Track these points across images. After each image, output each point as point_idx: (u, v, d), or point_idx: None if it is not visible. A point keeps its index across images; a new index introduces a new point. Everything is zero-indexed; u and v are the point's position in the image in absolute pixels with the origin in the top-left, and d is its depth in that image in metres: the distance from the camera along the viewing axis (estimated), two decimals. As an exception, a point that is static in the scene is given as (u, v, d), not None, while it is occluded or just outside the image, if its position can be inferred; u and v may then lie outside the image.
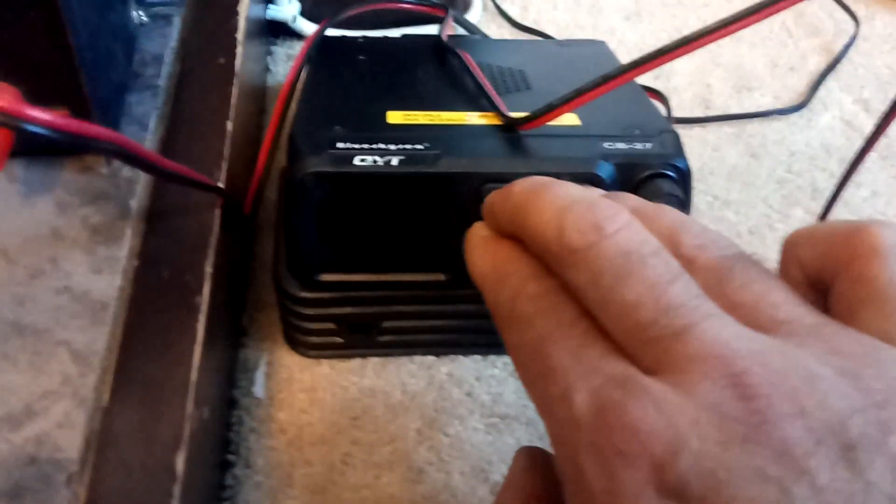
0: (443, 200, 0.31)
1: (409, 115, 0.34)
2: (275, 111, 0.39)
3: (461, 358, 0.38)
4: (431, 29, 0.55)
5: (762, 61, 0.60)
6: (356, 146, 0.31)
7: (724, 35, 0.25)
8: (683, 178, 0.32)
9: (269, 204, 0.43)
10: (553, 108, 0.30)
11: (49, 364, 0.26)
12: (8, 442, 0.24)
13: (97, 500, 0.24)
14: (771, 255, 0.45)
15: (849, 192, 0.48)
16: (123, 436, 0.25)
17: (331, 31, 0.44)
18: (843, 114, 0.55)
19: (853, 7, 0.65)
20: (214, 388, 0.31)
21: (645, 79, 0.33)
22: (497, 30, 0.61)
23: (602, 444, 0.15)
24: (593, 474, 0.15)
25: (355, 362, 0.37)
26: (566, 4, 0.64)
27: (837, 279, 0.18)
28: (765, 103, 0.56)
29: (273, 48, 0.57)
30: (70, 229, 0.30)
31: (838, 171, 0.51)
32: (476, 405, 0.36)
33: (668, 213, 0.20)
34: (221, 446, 0.33)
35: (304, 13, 0.56)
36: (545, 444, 0.18)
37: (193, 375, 0.27)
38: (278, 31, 0.57)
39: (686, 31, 0.34)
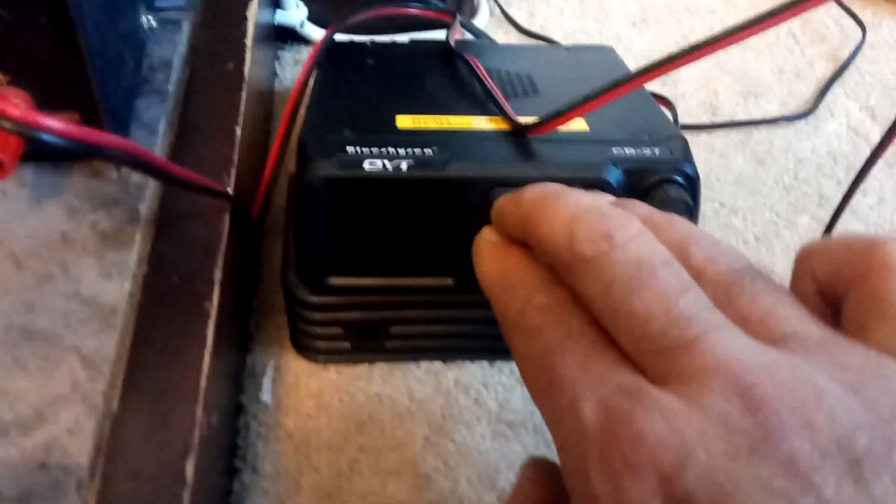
0: (452, 205, 0.31)
1: (417, 119, 0.34)
2: (283, 116, 0.39)
3: (468, 364, 0.38)
4: (439, 34, 0.55)
5: (769, 68, 0.60)
6: (365, 150, 0.31)
7: (734, 42, 0.25)
8: (692, 183, 0.32)
9: (277, 209, 0.43)
10: (562, 114, 0.30)
11: (58, 369, 0.26)
12: (17, 447, 0.24)
13: (106, 505, 0.24)
14: (778, 262, 0.45)
15: (855, 200, 0.48)
16: (133, 441, 0.25)
17: (339, 36, 0.44)
18: (849, 121, 0.55)
19: (860, 14, 0.65)
20: (223, 394, 0.31)
21: (651, 85, 0.33)
22: (504, 35, 0.61)
23: (609, 455, 0.15)
24: (600, 485, 0.15)
25: (362, 368, 0.37)
26: (573, 10, 0.64)
27: (850, 293, 0.18)
28: (771, 110, 0.56)
29: (281, 53, 0.58)
30: (79, 234, 0.30)
31: (845, 178, 0.51)
32: (483, 412, 0.36)
33: (679, 223, 0.20)
34: (229, 452, 0.33)
35: (312, 18, 0.57)
36: (552, 451, 0.18)
37: (203, 381, 0.27)
38: (286, 36, 0.58)
39: (692, 37, 0.34)
